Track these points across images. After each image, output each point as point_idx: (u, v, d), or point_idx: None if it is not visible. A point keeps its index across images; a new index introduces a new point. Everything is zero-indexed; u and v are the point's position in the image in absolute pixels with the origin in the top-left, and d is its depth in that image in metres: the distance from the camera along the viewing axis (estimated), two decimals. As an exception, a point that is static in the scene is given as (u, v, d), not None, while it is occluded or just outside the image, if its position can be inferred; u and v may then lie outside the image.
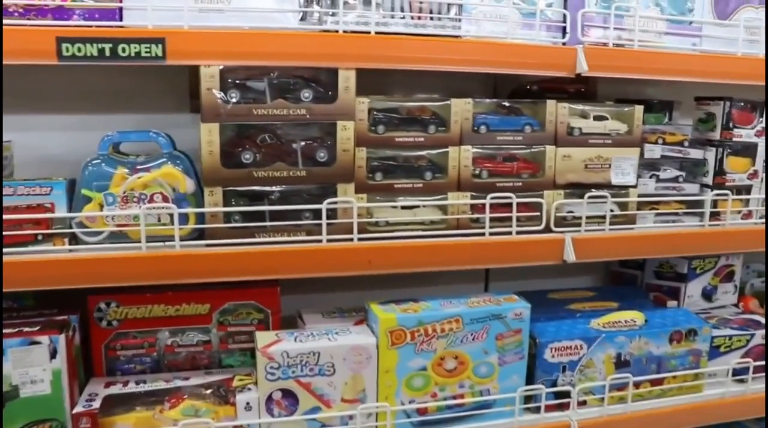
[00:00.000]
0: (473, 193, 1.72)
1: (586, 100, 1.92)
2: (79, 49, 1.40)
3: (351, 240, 1.62)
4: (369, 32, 1.57)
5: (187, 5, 1.45)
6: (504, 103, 1.78)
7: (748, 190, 2.01)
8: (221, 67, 1.50)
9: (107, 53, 1.42)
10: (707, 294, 2.17)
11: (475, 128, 1.73)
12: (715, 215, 1.93)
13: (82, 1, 1.44)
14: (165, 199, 1.56)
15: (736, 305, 2.25)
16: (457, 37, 1.67)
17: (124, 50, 1.43)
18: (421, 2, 1.63)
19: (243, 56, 1.50)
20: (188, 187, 1.57)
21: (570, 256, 1.76)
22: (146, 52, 1.44)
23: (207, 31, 1.48)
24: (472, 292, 1.82)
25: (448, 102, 1.70)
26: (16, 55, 1.38)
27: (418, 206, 1.71)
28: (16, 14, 1.42)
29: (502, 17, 1.70)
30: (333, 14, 1.57)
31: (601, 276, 2.41)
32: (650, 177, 1.89)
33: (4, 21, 1.39)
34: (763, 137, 1.98)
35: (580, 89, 2.04)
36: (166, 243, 1.52)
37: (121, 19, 1.46)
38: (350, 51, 1.56)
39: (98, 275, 1.48)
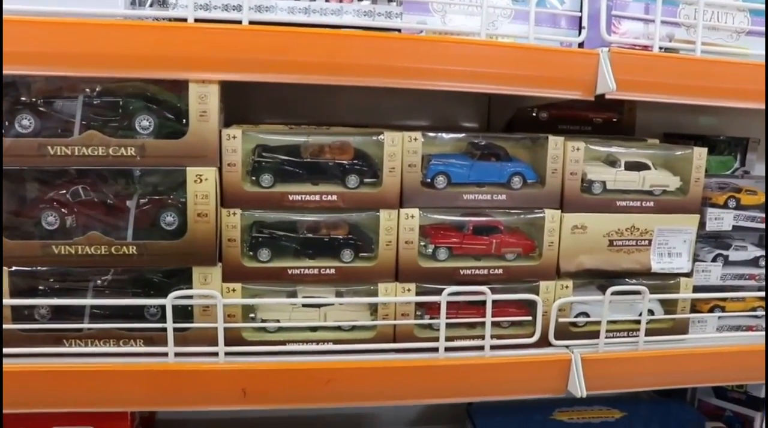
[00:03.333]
0: (421, 285, 1.07)
1: (617, 136, 1.26)
2: None
3: (216, 355, 1.04)
4: (240, 22, 0.94)
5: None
6: (476, 140, 1.11)
7: None
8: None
9: None
10: (795, 427, 1.47)
11: (428, 180, 1.08)
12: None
13: None
14: None
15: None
16: (396, 30, 1.03)
17: None
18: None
19: (32, 60, 0.95)
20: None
21: (578, 387, 1.11)
22: None
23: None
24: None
25: (380, 137, 1.05)
26: None
27: (330, 304, 1.07)
28: None
29: (476, 3, 1.05)
30: (180, -8, 0.95)
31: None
32: (714, 259, 1.23)
33: None
34: None
35: (611, 119, 1.37)
36: None
37: None
38: (208, 52, 0.95)
39: None
